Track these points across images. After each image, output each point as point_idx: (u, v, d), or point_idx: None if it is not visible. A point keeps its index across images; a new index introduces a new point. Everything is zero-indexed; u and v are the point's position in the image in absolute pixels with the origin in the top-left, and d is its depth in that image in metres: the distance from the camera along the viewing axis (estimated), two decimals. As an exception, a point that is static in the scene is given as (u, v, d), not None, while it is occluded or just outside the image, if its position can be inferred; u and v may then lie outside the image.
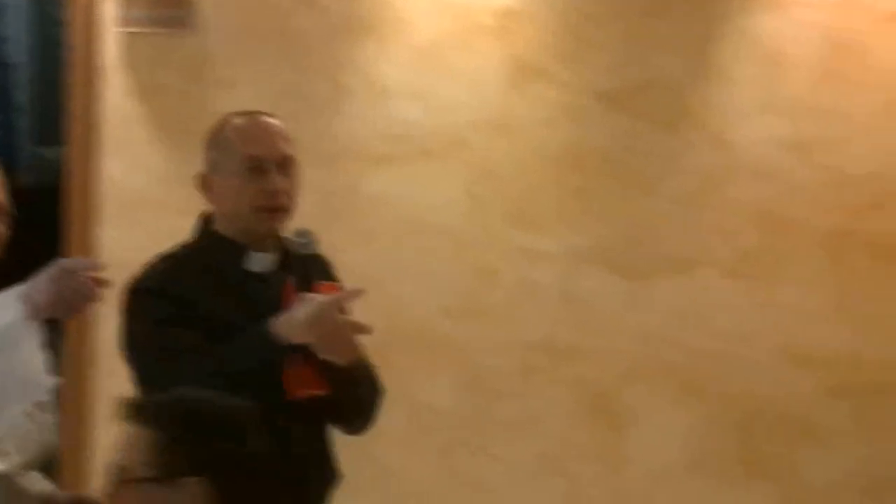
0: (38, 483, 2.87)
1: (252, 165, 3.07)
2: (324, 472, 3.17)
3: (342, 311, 2.96)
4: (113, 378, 4.11)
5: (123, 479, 2.21)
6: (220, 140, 3.13)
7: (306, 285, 3.06)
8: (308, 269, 3.13)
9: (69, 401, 4.52)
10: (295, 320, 2.94)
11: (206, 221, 3.15)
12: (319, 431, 3.15)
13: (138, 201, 4.68)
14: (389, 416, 3.26)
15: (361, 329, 2.98)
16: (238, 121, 3.15)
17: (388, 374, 3.20)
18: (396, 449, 4.58)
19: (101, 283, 2.85)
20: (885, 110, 4.53)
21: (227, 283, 3.08)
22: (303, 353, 2.95)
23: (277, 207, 3.10)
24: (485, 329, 4.55)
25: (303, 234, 3.12)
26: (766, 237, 4.55)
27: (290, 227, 3.15)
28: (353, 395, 3.10)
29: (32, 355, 2.80)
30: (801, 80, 4.52)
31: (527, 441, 4.56)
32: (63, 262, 2.87)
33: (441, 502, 4.58)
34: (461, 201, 4.56)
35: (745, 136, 4.55)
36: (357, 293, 2.98)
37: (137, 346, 3.06)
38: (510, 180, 4.56)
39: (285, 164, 3.11)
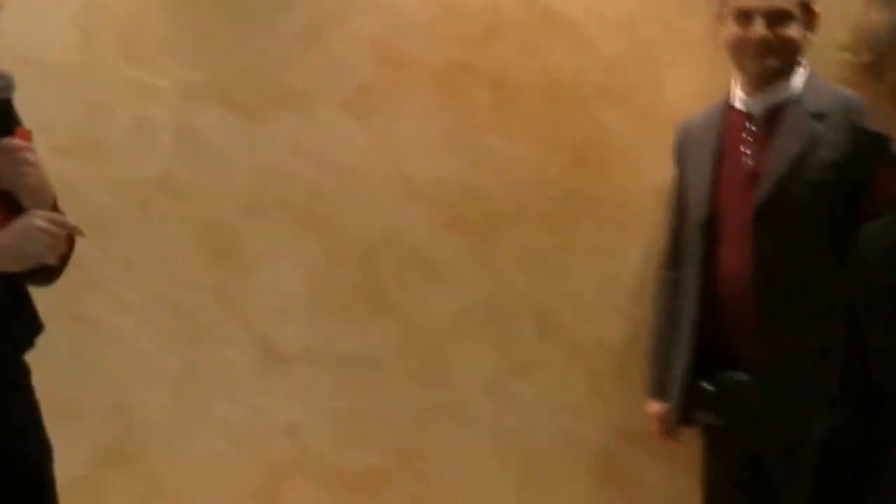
0: None
1: None
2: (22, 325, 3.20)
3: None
4: None
5: None
6: None
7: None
8: None
9: None
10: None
11: None
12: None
13: None
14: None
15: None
16: None
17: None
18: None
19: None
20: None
21: None
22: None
23: None
24: (98, 167, 4.42)
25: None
26: (382, 71, 4.54)
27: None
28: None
29: None
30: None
31: (146, 282, 4.46)
32: None
33: (61, 347, 4.43)
34: (69, 35, 4.40)
35: (360, -31, 4.54)
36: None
37: None
38: (121, 13, 4.42)
39: None
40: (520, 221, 4.57)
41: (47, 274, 3.19)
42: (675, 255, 4.25)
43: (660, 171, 4.57)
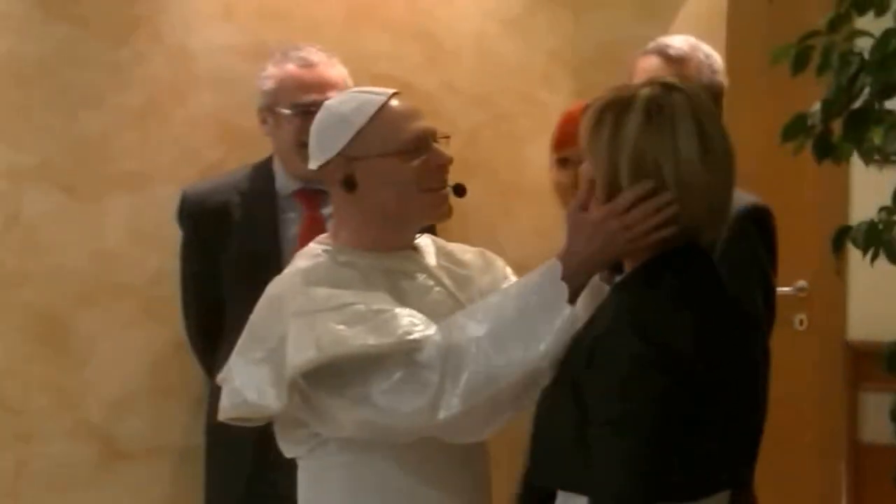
0: None
1: None
2: None
3: None
4: None
5: None
6: None
7: None
8: None
9: None
10: None
11: None
12: None
13: None
14: None
15: None
16: None
17: None
18: None
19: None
20: (345, 13, 4.42)
21: None
22: None
23: None
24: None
25: None
26: (227, 150, 4.34)
27: None
28: None
29: None
30: (257, -17, 4.37)
31: (-25, 376, 4.22)
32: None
33: None
34: None
35: (203, 44, 4.34)
36: None
37: None
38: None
39: None
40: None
41: None
42: None
43: (520, 248, 4.36)
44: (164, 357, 4.29)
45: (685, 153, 2.53)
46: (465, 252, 3.05)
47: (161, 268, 4.26)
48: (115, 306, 4.27)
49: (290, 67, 3.97)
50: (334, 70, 3.98)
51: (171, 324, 4.24)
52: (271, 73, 3.99)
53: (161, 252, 4.26)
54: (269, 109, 3.99)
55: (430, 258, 2.95)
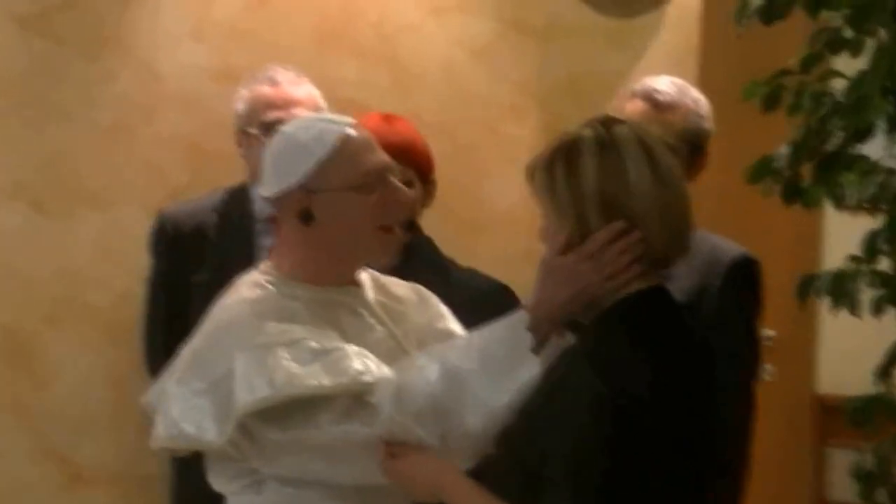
0: None
1: None
2: None
3: None
4: None
5: None
6: None
7: None
8: None
9: None
10: None
11: None
12: None
13: None
14: None
15: None
16: None
17: None
18: None
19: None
20: (313, 37, 4.43)
21: None
22: None
23: None
24: None
25: None
26: (194, 172, 4.35)
27: None
28: None
29: None
30: (228, 6, 4.38)
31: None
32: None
33: None
34: None
35: (172, 64, 4.35)
36: None
37: None
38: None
39: None
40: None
41: None
42: None
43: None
44: (125, 381, 4.26)
45: (636, 178, 2.54)
46: (399, 286, 2.94)
47: (127, 290, 4.26)
48: (80, 327, 4.28)
49: (258, 88, 3.97)
50: (300, 89, 3.96)
51: (135, 347, 4.23)
52: (242, 95, 3.99)
53: (127, 274, 4.26)
54: (241, 131, 3.98)
55: (370, 293, 2.87)
